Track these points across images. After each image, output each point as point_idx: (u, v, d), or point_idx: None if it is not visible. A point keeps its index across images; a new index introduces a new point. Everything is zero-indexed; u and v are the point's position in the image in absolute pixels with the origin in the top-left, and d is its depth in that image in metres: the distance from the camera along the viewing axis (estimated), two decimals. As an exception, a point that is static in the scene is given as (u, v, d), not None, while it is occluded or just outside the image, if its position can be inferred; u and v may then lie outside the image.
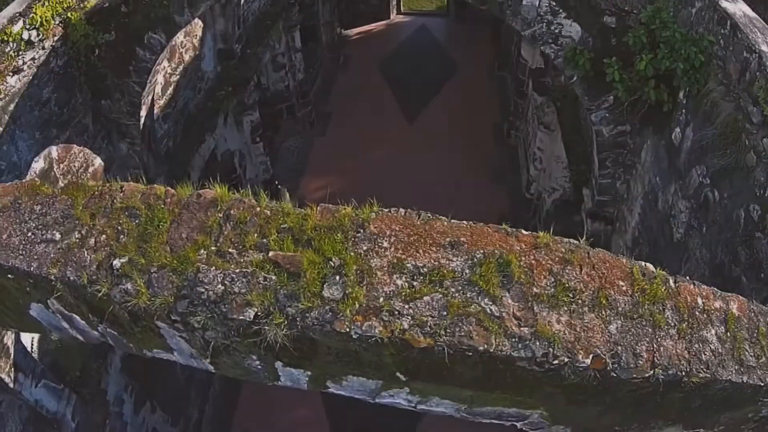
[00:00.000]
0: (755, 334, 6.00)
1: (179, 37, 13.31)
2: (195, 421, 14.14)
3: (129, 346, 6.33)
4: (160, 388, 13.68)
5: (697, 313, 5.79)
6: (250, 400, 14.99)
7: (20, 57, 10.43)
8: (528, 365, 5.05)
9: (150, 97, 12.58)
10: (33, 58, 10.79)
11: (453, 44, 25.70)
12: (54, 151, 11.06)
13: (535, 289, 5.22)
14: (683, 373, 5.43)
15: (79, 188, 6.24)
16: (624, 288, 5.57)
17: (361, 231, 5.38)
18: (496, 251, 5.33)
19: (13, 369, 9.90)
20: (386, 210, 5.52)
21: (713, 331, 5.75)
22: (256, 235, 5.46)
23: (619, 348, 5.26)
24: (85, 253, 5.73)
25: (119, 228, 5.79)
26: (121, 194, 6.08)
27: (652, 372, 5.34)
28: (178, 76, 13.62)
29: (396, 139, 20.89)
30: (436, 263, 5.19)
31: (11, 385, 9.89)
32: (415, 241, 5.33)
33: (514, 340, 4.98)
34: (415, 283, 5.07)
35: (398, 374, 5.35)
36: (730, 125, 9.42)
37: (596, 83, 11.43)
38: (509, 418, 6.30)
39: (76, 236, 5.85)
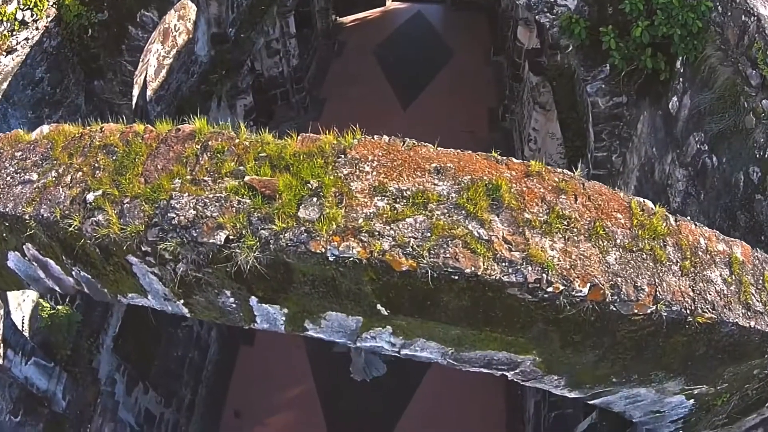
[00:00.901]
0: (761, 280, 5.57)
1: (173, 20, 13.05)
2: (188, 403, 13.73)
3: (103, 293, 5.92)
4: (152, 368, 13.28)
5: (699, 252, 5.36)
6: (243, 381, 14.57)
7: (14, 37, 10.43)
8: (519, 292, 4.61)
9: (142, 78, 12.30)
10: (26, 38, 10.72)
11: (449, 30, 25.32)
12: (46, 129, 10.77)
13: (526, 215, 4.80)
14: (688, 312, 4.99)
15: (60, 132, 6.01)
16: (622, 221, 5.15)
17: (342, 156, 4.99)
18: (485, 177, 4.93)
19: (2, 345, 9.53)
20: (369, 137, 5.13)
21: (717, 273, 5.31)
22: (233, 163, 5.08)
23: (619, 279, 4.82)
24: (60, 190, 5.43)
25: (96, 165, 5.46)
26: (101, 134, 5.79)
27: (654, 308, 4.89)
28: (171, 59, 13.36)
29: (390, 124, 20.34)
30: (421, 187, 4.79)
31: (0, 361, 9.54)
32: (399, 166, 4.93)
33: (504, 264, 4.54)
34: (397, 206, 4.66)
35: (379, 307, 4.91)
36: (729, 89, 9.08)
37: (592, 53, 11.07)
38: (499, 366, 5.83)
39: (53, 175, 5.58)
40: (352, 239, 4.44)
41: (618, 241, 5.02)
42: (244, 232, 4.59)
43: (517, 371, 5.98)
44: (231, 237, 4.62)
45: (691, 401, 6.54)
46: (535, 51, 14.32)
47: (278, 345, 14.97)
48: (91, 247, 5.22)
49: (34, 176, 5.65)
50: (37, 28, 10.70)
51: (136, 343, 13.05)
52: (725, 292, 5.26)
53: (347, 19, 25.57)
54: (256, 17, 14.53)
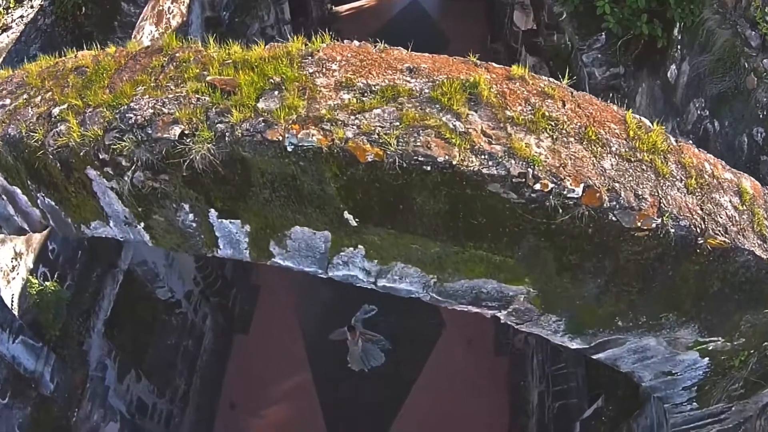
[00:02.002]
0: (774, 216, 5.06)
1: (167, 2, 12.88)
2: (182, 393, 13.22)
3: (67, 223, 5.55)
4: (146, 356, 12.84)
5: (705, 175, 4.80)
6: (238, 371, 14.03)
7: (9, 14, 10.32)
8: (502, 190, 4.10)
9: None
10: (21, 16, 10.64)
11: (445, 18, 24.89)
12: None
13: (508, 113, 4.34)
14: (698, 231, 4.46)
15: (36, 64, 5.93)
16: (617, 131, 4.64)
17: (310, 57, 4.61)
18: (462, 76, 4.52)
19: (-12, 321, 9.20)
20: (338, 41, 4.76)
21: (727, 198, 4.77)
22: (197, 69, 4.73)
23: (617, 185, 4.29)
24: (30, 110, 5.22)
25: (65, 84, 5.26)
26: (74, 58, 5.60)
27: (660, 221, 4.35)
28: (165, 42, 13.19)
29: None
30: (391, 83, 4.37)
31: (-14, 338, 9.19)
32: (369, 65, 4.51)
33: (483, 156, 4.04)
34: (364, 98, 4.24)
35: (347, 215, 4.41)
36: (728, 51, 8.73)
37: (587, 21, 10.72)
38: (489, 302, 5.28)
39: (24, 98, 5.40)
40: (313, 128, 4.02)
41: (613, 149, 4.53)
42: (199, 126, 4.21)
43: (510, 310, 5.38)
44: (186, 132, 4.24)
45: (706, 360, 5.92)
46: (531, 32, 14.02)
47: (274, 333, 14.49)
48: (53, 162, 4.91)
49: (8, 101, 5.48)
50: (31, 6, 10.68)
51: (129, 330, 12.64)
52: (737, 218, 4.72)
53: (343, 8, 25.03)
54: (250, 2, 14.37)
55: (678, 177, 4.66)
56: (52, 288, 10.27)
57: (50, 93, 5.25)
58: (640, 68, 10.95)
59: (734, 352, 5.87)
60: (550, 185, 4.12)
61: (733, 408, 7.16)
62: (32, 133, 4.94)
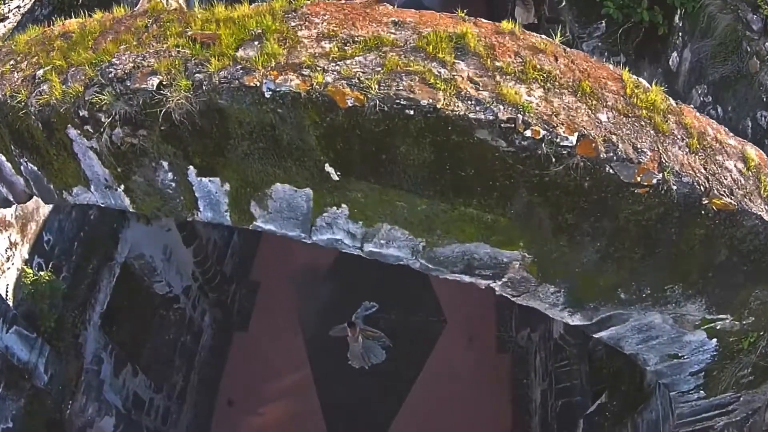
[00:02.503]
0: (783, 186, 4.80)
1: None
2: (179, 390, 13.01)
3: (50, 190, 5.41)
4: (143, 351, 12.67)
5: (708, 138, 4.59)
6: (236, 369, 13.76)
7: (6, 5, 10.22)
8: (491, 137, 3.89)
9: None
10: (18, 6, 10.53)
11: (444, 11, 24.69)
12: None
13: (497, 63, 4.16)
14: (701, 189, 4.25)
15: (25, 34, 5.85)
16: (613, 87, 4.45)
17: (293, 13, 4.46)
18: (449, 29, 4.35)
19: (-19, 311, 9.06)
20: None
21: (732, 163, 4.55)
22: (180, 28, 4.60)
23: (614, 137, 4.08)
24: (15, 74, 5.14)
25: (51, 49, 5.19)
26: (61, 26, 5.55)
27: (661, 176, 4.13)
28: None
29: None
30: (375, 34, 4.22)
31: (-20, 328, 9.06)
32: (353, 18, 4.36)
33: (470, 102, 3.86)
34: (346, 47, 4.08)
35: (328, 168, 4.24)
36: (729, 35, 8.60)
37: (587, 9, 10.58)
38: (483, 270, 5.02)
39: (11, 64, 5.31)
40: (292, 74, 3.87)
41: (609, 103, 4.32)
42: (177, 76, 4.07)
43: (505, 280, 5.14)
44: (164, 83, 4.10)
45: (714, 342, 5.69)
46: (532, 26, 13.86)
47: (274, 330, 14.27)
48: (35, 123, 4.84)
49: (-5, 70, 5.39)
50: (29, -4, 10.61)
51: (126, 324, 12.48)
52: (743, 182, 4.49)
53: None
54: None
55: (679, 136, 4.46)
56: (47, 278, 10.14)
57: (36, 58, 5.19)
58: (641, 56, 10.79)
59: (743, 332, 5.63)
60: (542, 132, 3.92)
61: (741, 398, 6.89)
62: (16, 95, 4.86)
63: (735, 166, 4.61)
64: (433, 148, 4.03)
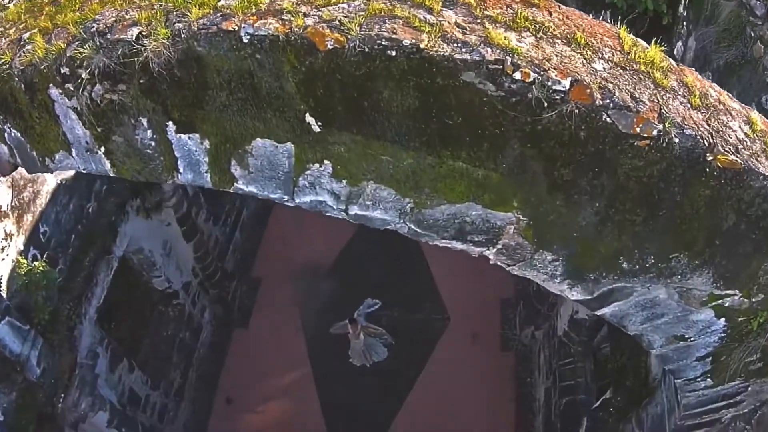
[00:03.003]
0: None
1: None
2: (177, 387, 12.75)
3: (33, 158, 5.25)
4: (140, 347, 12.44)
5: (710, 99, 4.35)
6: (236, 366, 13.49)
7: None
8: (478, 79, 3.67)
9: None
10: None
11: None
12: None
13: (487, 12, 3.94)
14: (705, 144, 4.00)
15: (16, 4, 5.65)
16: (609, 43, 4.23)
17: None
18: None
19: (-25, 302, 8.86)
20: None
21: (736, 124, 4.31)
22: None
23: (610, 85, 3.85)
24: (2, 40, 5.04)
25: (41, 14, 5.09)
26: None
27: (661, 127, 3.88)
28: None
29: None
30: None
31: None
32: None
33: (455, 44, 3.66)
34: (330, -4, 3.88)
35: (308, 118, 4.06)
36: (733, 21, 8.49)
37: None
38: (476, 235, 4.72)
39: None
40: (272, 18, 3.67)
41: (605, 56, 4.09)
42: (158, 26, 3.90)
43: (499, 246, 4.87)
44: (144, 33, 3.94)
45: (722, 321, 5.40)
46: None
47: (274, 328, 14.02)
48: (18, 85, 4.73)
49: (-16, 38, 5.34)
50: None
51: (123, 319, 12.26)
52: (748, 143, 4.24)
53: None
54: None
55: (680, 93, 4.23)
56: (41, 268, 9.92)
57: (24, 24, 5.11)
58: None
59: (752, 311, 5.32)
60: (532, 75, 3.69)
61: (749, 387, 6.55)
62: (0, 57, 4.76)
63: (740, 127, 4.36)
64: (418, 93, 3.83)
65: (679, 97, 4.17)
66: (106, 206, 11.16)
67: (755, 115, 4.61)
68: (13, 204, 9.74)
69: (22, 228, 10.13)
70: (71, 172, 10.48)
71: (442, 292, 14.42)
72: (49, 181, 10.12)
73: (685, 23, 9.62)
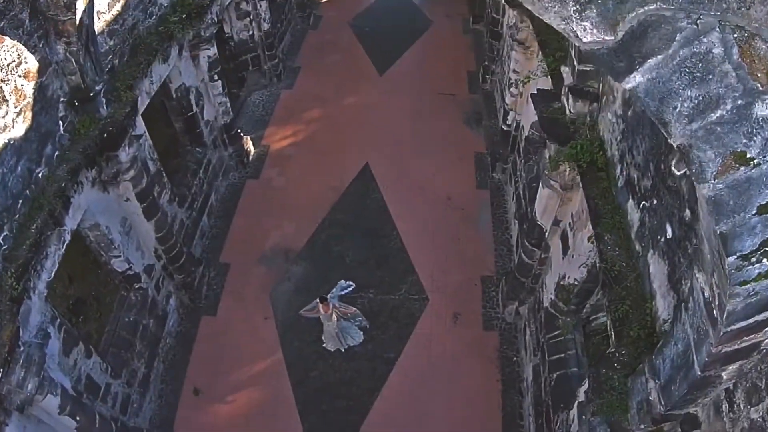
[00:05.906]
0: None
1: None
2: (141, 377, 11.17)
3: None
4: (100, 331, 10.91)
5: None
6: (204, 355, 12.03)
7: None
8: None
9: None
10: None
11: (427, 1, 23.95)
12: (-17, 36, 9.05)
13: None
14: None
15: None
16: None
17: None
18: None
19: None
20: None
21: None
22: None
23: None
24: None
25: None
26: None
27: None
28: (127, -6, 11.72)
29: (366, 90, 18.64)
30: None
31: None
32: None
33: None
34: None
35: None
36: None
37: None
38: None
39: None
40: None
41: None
42: None
43: None
44: None
45: None
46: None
47: (243, 315, 12.63)
48: None
49: None
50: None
51: (79, 300, 10.76)
52: None
53: (321, -7, 23.95)
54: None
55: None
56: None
57: None
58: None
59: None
60: None
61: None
62: None
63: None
64: None
65: None
66: (57, 173, 9.80)
67: None
68: (-46, 162, 8.41)
69: (-36, 192, 8.76)
70: (20, 131, 9.17)
71: (420, 273, 13.23)
72: (-4, 141, 8.81)
73: None
